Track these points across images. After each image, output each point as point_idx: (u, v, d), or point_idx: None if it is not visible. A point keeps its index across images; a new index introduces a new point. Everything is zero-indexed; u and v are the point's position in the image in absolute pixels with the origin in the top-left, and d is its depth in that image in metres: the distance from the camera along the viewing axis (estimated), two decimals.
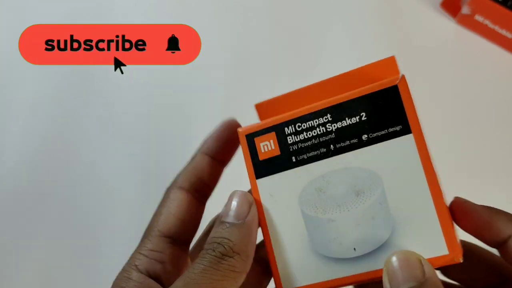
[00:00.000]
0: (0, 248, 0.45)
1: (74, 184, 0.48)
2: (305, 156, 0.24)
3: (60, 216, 0.46)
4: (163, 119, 0.52)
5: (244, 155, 0.26)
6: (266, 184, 0.25)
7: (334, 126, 0.23)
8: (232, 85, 0.55)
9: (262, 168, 0.25)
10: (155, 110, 0.53)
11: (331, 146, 0.23)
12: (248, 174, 0.26)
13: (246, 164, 0.26)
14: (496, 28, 0.60)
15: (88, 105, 0.52)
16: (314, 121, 0.24)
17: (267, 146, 0.25)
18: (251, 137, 0.25)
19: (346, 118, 0.23)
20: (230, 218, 0.24)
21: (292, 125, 0.24)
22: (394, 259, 0.21)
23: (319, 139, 0.23)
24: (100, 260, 0.44)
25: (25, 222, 0.46)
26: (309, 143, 0.24)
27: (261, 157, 0.25)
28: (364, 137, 0.23)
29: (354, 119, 0.23)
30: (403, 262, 0.21)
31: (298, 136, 0.24)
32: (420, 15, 0.64)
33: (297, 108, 0.25)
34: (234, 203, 0.25)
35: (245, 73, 0.57)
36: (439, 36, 0.62)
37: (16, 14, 0.59)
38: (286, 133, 0.24)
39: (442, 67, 0.59)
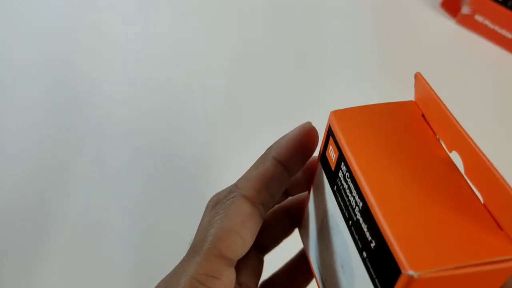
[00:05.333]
0: (0, 248, 0.45)
1: (74, 184, 0.48)
2: (339, 199, 0.21)
3: (60, 216, 0.46)
4: (163, 119, 0.53)
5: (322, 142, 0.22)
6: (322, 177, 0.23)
7: (360, 217, 0.19)
8: (232, 85, 0.55)
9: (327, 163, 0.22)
10: (155, 110, 0.53)
11: (350, 222, 0.20)
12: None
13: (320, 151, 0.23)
14: (496, 28, 0.60)
15: (88, 105, 0.52)
16: (356, 196, 0.19)
17: (331, 153, 0.21)
18: (329, 136, 0.21)
19: (366, 228, 0.18)
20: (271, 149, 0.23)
21: (345, 167, 0.20)
22: None
23: (349, 205, 0.20)
24: (100, 260, 0.44)
25: (25, 222, 0.46)
26: (345, 197, 0.20)
27: (327, 156, 0.22)
28: (364, 254, 0.19)
29: (369, 236, 0.18)
30: None
31: (345, 178, 0.20)
32: (420, 15, 0.64)
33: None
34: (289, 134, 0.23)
35: (246, 73, 0.57)
36: (439, 36, 0.62)
37: (14, 14, 0.59)
38: (342, 167, 0.20)
39: (442, 67, 0.59)
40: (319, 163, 0.22)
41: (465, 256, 0.16)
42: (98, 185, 0.48)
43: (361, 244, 0.19)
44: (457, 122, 0.19)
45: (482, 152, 0.18)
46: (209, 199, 0.26)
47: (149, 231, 0.45)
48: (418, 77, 0.21)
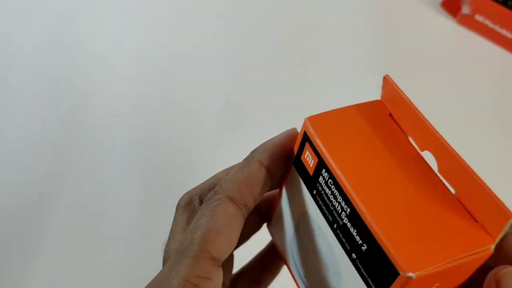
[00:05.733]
0: (0, 248, 0.45)
1: (75, 183, 0.48)
2: (320, 203, 0.21)
3: (60, 216, 0.46)
4: (162, 119, 0.53)
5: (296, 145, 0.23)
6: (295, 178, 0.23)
7: (347, 222, 0.20)
8: (232, 85, 0.55)
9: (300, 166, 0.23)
10: (155, 109, 0.53)
11: (334, 225, 0.21)
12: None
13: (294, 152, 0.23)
14: (496, 28, 0.60)
15: (87, 107, 0.52)
16: (342, 203, 0.20)
17: (308, 159, 0.22)
18: (304, 142, 0.22)
19: (356, 233, 0.19)
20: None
21: (326, 173, 0.20)
22: None
23: (333, 210, 0.20)
24: (100, 260, 0.44)
25: (25, 222, 0.46)
26: (328, 202, 0.21)
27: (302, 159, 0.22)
28: (353, 255, 0.20)
29: (359, 240, 0.19)
30: None
31: (327, 183, 0.21)
32: (420, 15, 0.64)
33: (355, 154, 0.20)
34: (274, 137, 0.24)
35: (246, 73, 0.57)
36: (439, 36, 0.62)
37: (15, 14, 0.59)
38: (322, 173, 0.21)
39: (442, 67, 0.59)
40: (292, 166, 0.23)
41: (452, 251, 0.18)
42: (97, 186, 0.48)
43: (350, 247, 0.20)
44: (429, 122, 0.20)
45: (454, 150, 0.19)
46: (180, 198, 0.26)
47: (148, 232, 0.45)
48: (386, 79, 0.22)
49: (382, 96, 0.23)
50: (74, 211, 0.47)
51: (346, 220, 0.20)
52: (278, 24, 0.61)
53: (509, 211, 0.18)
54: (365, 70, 0.58)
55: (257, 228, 0.29)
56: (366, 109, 0.22)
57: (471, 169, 0.19)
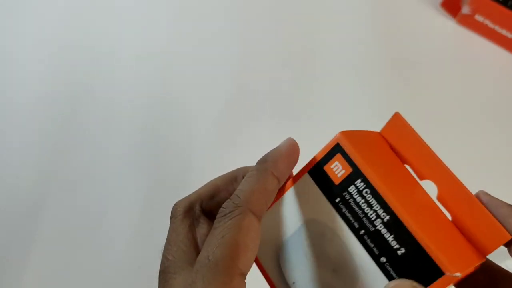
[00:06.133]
0: (0, 248, 0.45)
1: (75, 183, 0.48)
2: (344, 210, 0.23)
3: (60, 216, 0.46)
4: (163, 119, 0.53)
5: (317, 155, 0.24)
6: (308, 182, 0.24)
7: (381, 228, 0.22)
8: (232, 86, 0.55)
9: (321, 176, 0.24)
10: (155, 109, 0.53)
11: (361, 231, 0.23)
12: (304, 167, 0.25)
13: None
14: (496, 28, 0.60)
15: (88, 103, 0.52)
16: (380, 211, 0.22)
17: (337, 169, 0.23)
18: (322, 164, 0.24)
19: (392, 238, 0.22)
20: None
21: (362, 183, 0.23)
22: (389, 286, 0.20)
23: (363, 217, 0.23)
24: (100, 260, 0.44)
25: (25, 222, 0.46)
26: (358, 210, 0.23)
27: (328, 171, 0.24)
28: (382, 259, 0.22)
29: (395, 245, 0.22)
30: None
31: (361, 192, 0.23)
32: (420, 15, 0.64)
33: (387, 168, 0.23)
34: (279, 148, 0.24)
35: (246, 73, 0.57)
36: (439, 36, 0.62)
37: (15, 13, 0.59)
38: (356, 183, 0.23)
39: (442, 66, 0.60)
40: (307, 175, 0.24)
41: (476, 257, 0.21)
42: (97, 186, 0.48)
43: (379, 251, 0.22)
44: (436, 155, 0.23)
45: (459, 180, 0.22)
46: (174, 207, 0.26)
47: (148, 232, 0.45)
48: (397, 116, 0.24)
49: (384, 129, 0.25)
50: (74, 211, 0.47)
51: (380, 227, 0.22)
52: (279, 25, 0.61)
53: (506, 232, 0.21)
54: (365, 70, 0.58)
55: None
56: (373, 136, 0.25)
57: (473, 196, 0.22)
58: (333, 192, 0.23)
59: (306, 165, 0.24)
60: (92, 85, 0.54)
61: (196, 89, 0.55)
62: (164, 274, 0.23)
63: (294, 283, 0.24)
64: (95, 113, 0.52)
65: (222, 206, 0.23)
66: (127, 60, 0.56)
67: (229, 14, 0.62)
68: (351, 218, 0.23)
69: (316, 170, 0.24)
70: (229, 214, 0.22)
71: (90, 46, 0.57)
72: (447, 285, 0.20)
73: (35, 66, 0.55)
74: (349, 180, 0.23)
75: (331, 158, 0.23)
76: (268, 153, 0.25)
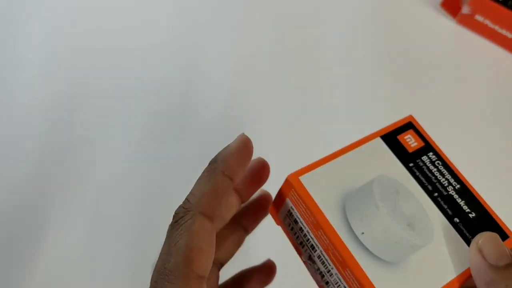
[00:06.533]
0: (0, 248, 0.45)
1: (75, 183, 0.48)
2: (418, 174, 0.26)
3: (59, 216, 0.46)
4: (162, 119, 0.53)
5: None
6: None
7: (454, 194, 0.26)
8: (232, 86, 0.55)
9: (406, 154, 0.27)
10: (155, 110, 0.53)
11: (435, 194, 0.26)
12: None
13: None
14: (496, 28, 0.61)
15: (89, 103, 0.52)
16: (451, 180, 0.27)
17: (410, 141, 0.27)
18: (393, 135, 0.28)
19: (464, 203, 0.26)
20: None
21: (434, 156, 0.27)
22: (485, 237, 0.23)
23: (437, 183, 0.26)
24: (100, 260, 0.44)
25: (25, 222, 0.46)
26: (431, 176, 0.26)
27: (409, 150, 0.27)
28: (456, 220, 0.25)
29: (467, 209, 0.26)
30: (495, 240, 0.22)
31: (433, 163, 0.27)
32: (420, 15, 0.64)
33: None
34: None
35: (247, 73, 0.57)
36: (439, 36, 0.62)
37: (16, 11, 0.59)
38: (429, 154, 0.27)
39: (442, 67, 0.60)
40: (380, 139, 0.27)
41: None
42: (98, 186, 0.48)
43: (452, 212, 0.25)
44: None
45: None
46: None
47: (150, 231, 0.45)
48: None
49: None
50: (74, 211, 0.47)
51: (453, 192, 0.26)
52: (279, 26, 0.61)
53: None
54: (365, 69, 0.58)
55: (240, 242, 0.30)
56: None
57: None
58: (407, 157, 0.26)
59: (376, 132, 0.27)
60: (93, 84, 0.54)
61: (196, 89, 0.55)
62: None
63: (363, 233, 0.24)
64: (96, 112, 0.52)
65: (175, 211, 0.24)
66: (128, 57, 0.56)
67: (229, 11, 0.62)
68: (424, 181, 0.26)
69: (390, 137, 0.27)
70: (180, 220, 0.23)
71: (90, 46, 0.57)
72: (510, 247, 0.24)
73: (35, 66, 0.55)
74: (422, 151, 0.27)
75: (404, 131, 0.27)
76: (219, 152, 0.25)
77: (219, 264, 0.29)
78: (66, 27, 0.59)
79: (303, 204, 0.24)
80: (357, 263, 0.23)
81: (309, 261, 0.26)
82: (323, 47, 0.59)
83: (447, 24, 0.63)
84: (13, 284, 0.43)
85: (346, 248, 0.23)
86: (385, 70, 0.58)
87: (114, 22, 0.60)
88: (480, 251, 0.22)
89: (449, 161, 0.27)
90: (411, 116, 0.28)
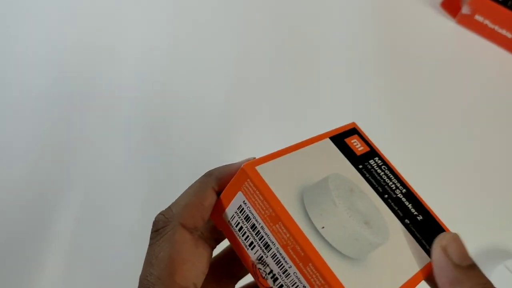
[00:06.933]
0: (0, 248, 0.45)
1: (75, 183, 0.48)
2: (368, 176, 0.27)
3: (59, 216, 0.46)
4: (163, 119, 0.53)
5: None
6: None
7: (401, 197, 0.27)
8: (232, 86, 0.55)
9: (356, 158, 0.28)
10: (155, 110, 0.53)
11: (385, 195, 0.26)
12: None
13: None
14: (496, 28, 0.61)
15: (89, 104, 0.52)
16: (398, 184, 0.27)
17: (356, 144, 0.28)
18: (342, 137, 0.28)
19: (411, 206, 0.27)
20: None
21: (380, 161, 0.28)
22: (448, 237, 0.23)
23: (385, 185, 0.27)
24: (100, 260, 0.44)
25: (25, 221, 0.46)
26: (380, 179, 0.27)
27: (357, 153, 0.27)
28: (406, 221, 0.26)
29: (414, 211, 0.27)
30: (459, 240, 0.23)
31: (380, 167, 0.27)
32: (420, 15, 0.64)
33: None
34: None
35: (246, 73, 0.57)
36: (439, 36, 0.62)
37: (17, 12, 0.59)
38: (375, 159, 0.28)
39: (441, 66, 0.60)
40: (329, 139, 0.27)
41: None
42: (98, 186, 0.48)
43: (403, 214, 0.26)
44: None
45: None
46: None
47: (150, 231, 0.45)
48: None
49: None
50: (74, 211, 0.47)
51: (400, 196, 0.26)
52: (279, 26, 0.61)
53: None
54: (364, 69, 0.58)
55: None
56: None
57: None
58: (356, 159, 0.27)
59: (324, 133, 0.27)
60: (93, 84, 0.54)
61: (196, 89, 0.55)
62: None
63: (323, 227, 0.23)
64: (95, 113, 0.52)
65: (155, 218, 0.23)
66: (127, 58, 0.57)
67: (229, 11, 0.62)
68: (374, 183, 0.26)
69: (338, 139, 0.27)
70: (161, 230, 0.23)
71: (90, 46, 0.57)
72: None
73: (35, 66, 0.55)
74: (368, 155, 0.27)
75: (350, 135, 0.28)
76: (218, 167, 0.24)
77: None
78: (66, 27, 0.59)
79: (260, 196, 0.22)
80: (321, 257, 0.21)
81: (259, 264, 0.24)
82: (323, 47, 0.59)
83: (447, 24, 0.63)
84: (13, 284, 0.43)
85: (309, 241, 0.21)
86: (385, 70, 0.58)
87: (114, 22, 0.60)
88: (444, 250, 0.22)
89: (393, 166, 0.28)
90: (354, 123, 0.29)
